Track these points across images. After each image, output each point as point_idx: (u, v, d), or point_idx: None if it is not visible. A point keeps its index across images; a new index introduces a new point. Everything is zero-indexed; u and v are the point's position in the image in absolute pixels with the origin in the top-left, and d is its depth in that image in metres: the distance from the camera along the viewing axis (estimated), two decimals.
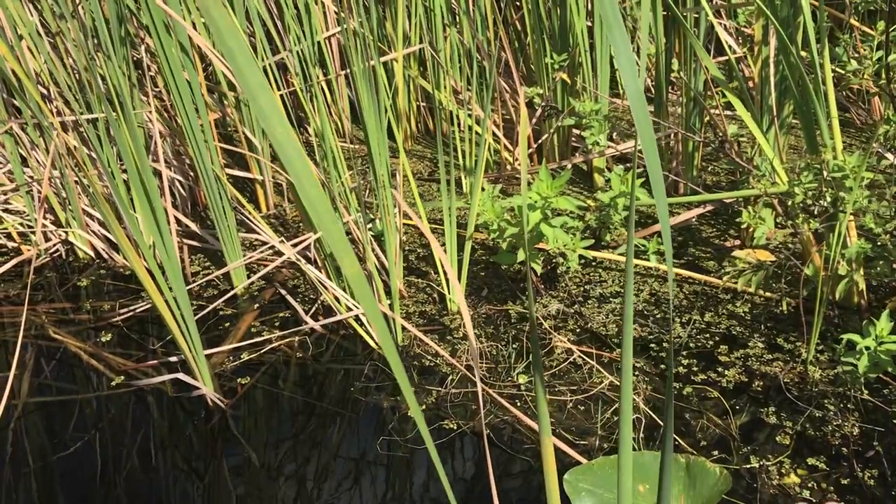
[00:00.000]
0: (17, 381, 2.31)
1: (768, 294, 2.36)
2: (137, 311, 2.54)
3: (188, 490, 1.97)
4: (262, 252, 2.65)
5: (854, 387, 1.97)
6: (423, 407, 2.09)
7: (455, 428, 2.02)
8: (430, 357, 2.28)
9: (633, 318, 2.35)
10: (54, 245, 2.88)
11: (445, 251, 2.36)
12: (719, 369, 2.13)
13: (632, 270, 0.99)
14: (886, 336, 1.75)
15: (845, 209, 2.01)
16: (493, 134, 3.19)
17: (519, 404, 2.06)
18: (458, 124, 3.25)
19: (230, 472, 1.99)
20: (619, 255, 2.57)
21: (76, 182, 2.76)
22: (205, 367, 2.13)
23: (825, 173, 2.07)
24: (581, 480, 1.79)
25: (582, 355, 2.21)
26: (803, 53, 2.31)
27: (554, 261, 2.49)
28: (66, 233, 2.85)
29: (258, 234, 2.67)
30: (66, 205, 2.80)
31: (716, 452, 1.87)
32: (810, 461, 1.82)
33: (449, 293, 2.45)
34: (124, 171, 2.77)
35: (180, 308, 2.06)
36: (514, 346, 2.28)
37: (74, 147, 2.64)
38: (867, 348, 1.76)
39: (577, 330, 2.34)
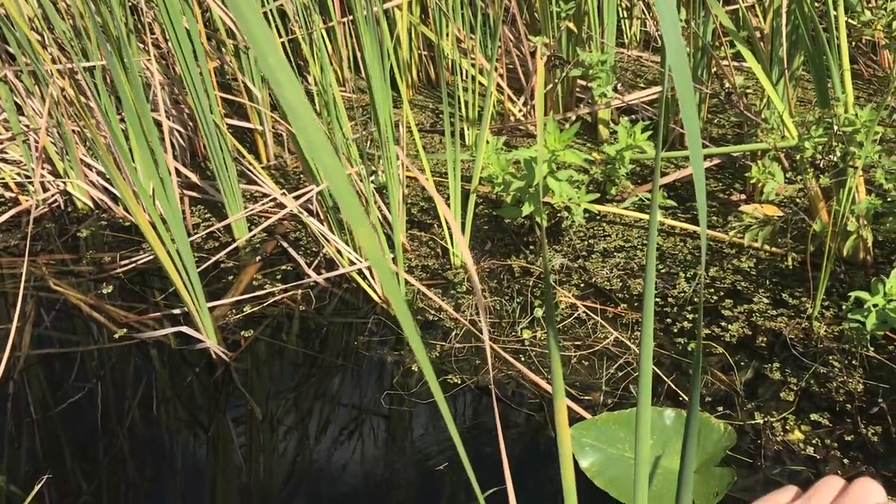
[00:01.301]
0: (19, 334, 2.30)
1: (774, 249, 2.34)
2: (139, 263, 2.52)
3: (192, 442, 1.97)
4: (263, 204, 2.62)
5: (860, 344, 1.96)
6: (427, 359, 2.08)
7: (459, 382, 2.01)
8: (433, 311, 2.27)
9: (635, 272, 2.33)
10: (52, 195, 2.85)
11: (449, 205, 2.33)
12: (724, 324, 2.12)
13: (656, 225, 0.97)
14: (895, 293, 1.74)
15: (856, 164, 1.98)
16: (497, 84, 3.13)
17: (523, 359, 2.06)
18: (462, 74, 3.19)
19: (234, 424, 2.00)
20: (625, 209, 2.55)
21: (74, 131, 2.72)
22: (208, 320, 2.12)
23: (836, 127, 2.04)
24: (585, 436, 1.79)
25: (586, 310, 2.20)
26: (816, 4, 2.26)
27: (558, 215, 2.46)
28: (64, 183, 2.81)
29: (259, 185, 2.63)
30: (64, 154, 2.76)
31: (720, 408, 1.88)
32: (814, 417, 1.83)
33: (452, 247, 2.43)
34: (122, 120, 2.73)
35: (183, 260, 2.04)
36: (518, 300, 2.27)
37: (72, 96, 2.59)
38: (875, 306, 1.75)
39: (582, 285, 2.32)
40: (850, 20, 2.46)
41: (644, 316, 1.08)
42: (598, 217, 2.60)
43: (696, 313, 2.17)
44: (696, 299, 2.21)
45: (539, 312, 2.19)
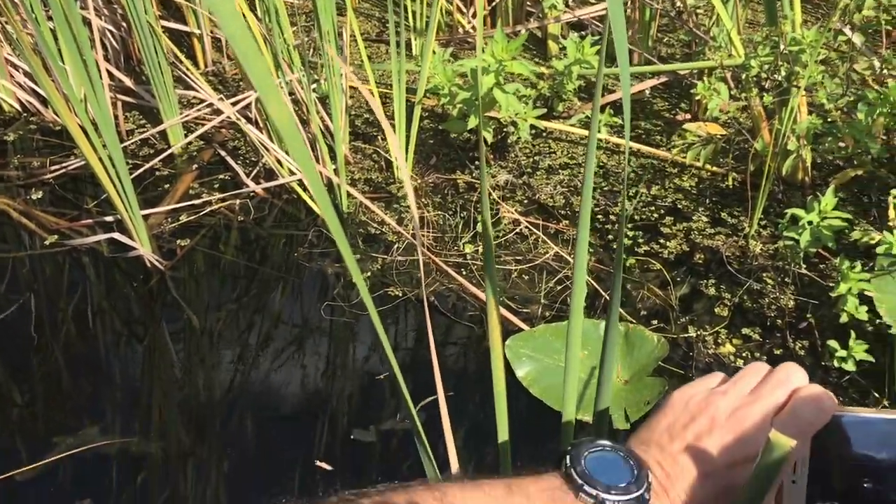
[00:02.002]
0: None
1: (715, 169, 2.36)
2: (70, 168, 2.43)
3: (127, 353, 1.94)
4: (200, 110, 2.53)
5: (793, 261, 2.00)
6: (368, 274, 2.07)
7: (400, 295, 2.01)
8: (375, 224, 2.24)
9: (578, 189, 2.33)
10: None
11: (394, 118, 2.28)
12: (662, 241, 2.14)
13: (595, 137, 0.95)
14: (830, 211, 1.76)
15: (799, 84, 1.99)
16: None
17: (464, 273, 2.06)
18: None
19: (171, 334, 1.97)
20: (571, 125, 2.53)
21: None
22: (142, 228, 2.06)
23: (782, 46, 2.03)
24: (522, 347, 1.81)
25: (529, 226, 2.20)
26: None
27: (504, 130, 2.44)
28: None
29: (196, 91, 2.54)
30: None
31: (655, 322, 1.91)
32: (745, 331, 1.87)
33: (396, 161, 2.39)
34: (50, 18, 2.59)
35: (115, 166, 1.97)
36: (461, 215, 2.26)
37: None
38: (810, 223, 1.78)
39: (525, 201, 2.32)
40: None
41: (579, 230, 1.07)
42: (544, 133, 2.58)
43: (637, 230, 2.18)
44: (636, 217, 2.23)
45: (481, 227, 2.18)
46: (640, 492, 0.52)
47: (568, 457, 0.54)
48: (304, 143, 0.68)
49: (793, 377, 0.55)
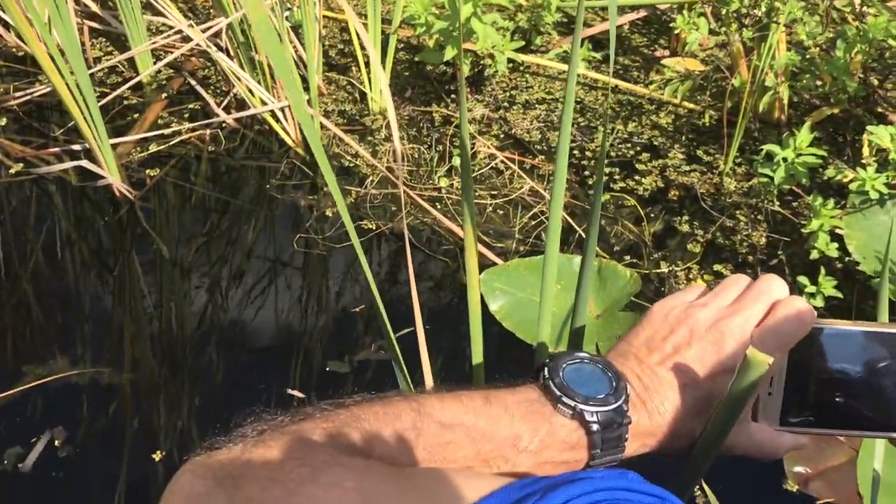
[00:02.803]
0: None
1: (692, 106, 2.34)
2: (35, 95, 2.36)
3: (97, 283, 1.92)
4: (169, 37, 2.46)
5: (767, 198, 2.01)
6: (344, 204, 2.05)
7: (374, 228, 1.99)
8: (349, 157, 2.21)
9: (555, 125, 2.32)
10: None
11: (368, 47, 2.23)
12: (637, 178, 2.14)
13: (575, 72, 0.93)
14: (805, 148, 1.77)
15: (779, 20, 1.97)
16: None
17: (439, 207, 2.04)
18: None
19: (141, 265, 1.94)
20: (549, 60, 2.50)
21: None
22: (110, 156, 2.02)
23: None
24: (496, 280, 1.81)
25: (505, 160, 2.19)
26: None
27: (482, 62, 2.40)
28: None
29: (165, 17, 2.46)
30: None
31: (628, 258, 1.91)
32: (717, 267, 1.88)
33: (371, 92, 2.35)
34: None
35: (82, 93, 1.91)
36: (437, 149, 2.23)
37: None
38: (785, 159, 1.78)
39: (501, 136, 2.29)
40: None
41: (557, 166, 1.06)
42: (521, 67, 2.54)
43: (612, 167, 2.18)
44: (612, 153, 2.22)
45: (457, 161, 2.17)
46: (619, 403, 0.52)
47: (546, 369, 0.53)
48: (287, 58, 0.66)
49: (774, 289, 0.55)
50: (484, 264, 1.85)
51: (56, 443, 1.51)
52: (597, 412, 0.51)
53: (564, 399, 0.51)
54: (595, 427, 0.51)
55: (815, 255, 1.76)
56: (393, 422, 0.49)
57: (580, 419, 0.51)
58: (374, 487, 0.42)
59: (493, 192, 2.10)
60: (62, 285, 1.88)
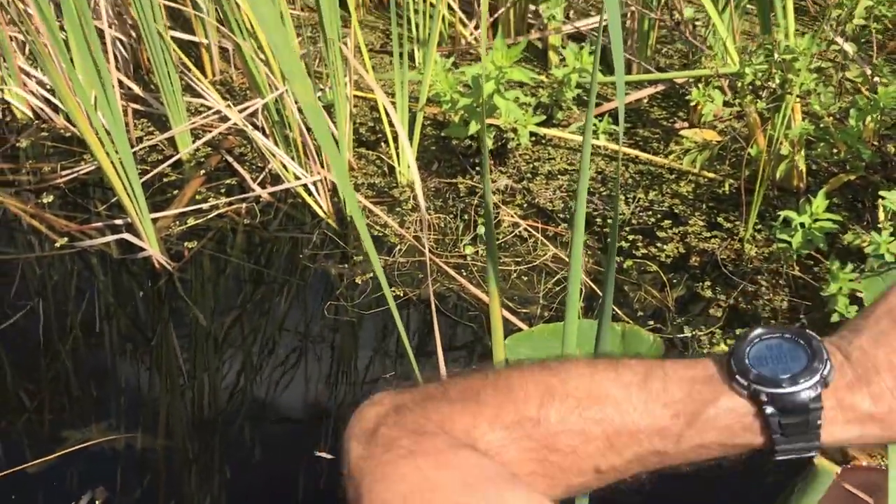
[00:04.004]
0: None
1: (711, 175, 2.41)
2: (80, 173, 2.49)
3: (137, 352, 1.99)
4: (207, 117, 2.59)
5: (787, 263, 2.05)
6: (371, 275, 2.12)
7: (402, 295, 2.06)
8: (378, 227, 2.29)
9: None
10: None
11: (397, 124, 2.34)
12: (659, 245, 2.19)
13: (589, 142, 1.00)
14: (821, 213, 1.81)
15: (792, 91, 2.04)
16: (449, 6, 3.11)
17: (465, 274, 2.10)
18: None
19: (178, 333, 2.01)
20: (570, 133, 2.58)
21: (12, 38, 2.64)
22: (151, 230, 2.12)
23: (776, 55, 2.08)
24: (521, 345, 1.85)
25: (528, 228, 2.25)
26: None
27: (505, 136, 2.49)
28: (2, 91, 2.74)
29: (204, 98, 2.60)
30: (2, 62, 2.68)
31: (651, 322, 1.95)
32: (739, 332, 1.91)
33: (399, 165, 2.44)
34: (62, 28, 2.65)
35: (126, 170, 2.02)
36: (462, 218, 2.31)
37: (8, 2, 2.51)
38: (802, 225, 1.83)
39: (525, 205, 2.37)
40: None
41: (574, 233, 1.13)
42: (543, 140, 2.63)
43: (634, 234, 2.23)
44: (633, 221, 2.27)
45: (482, 230, 2.23)
46: (807, 384, 0.46)
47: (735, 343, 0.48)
48: (327, 125, 0.73)
49: None
50: (509, 329, 1.89)
51: (97, 502, 1.56)
52: (772, 393, 0.46)
53: (738, 377, 0.47)
54: (770, 410, 0.46)
55: (835, 317, 1.78)
56: (515, 407, 0.48)
57: (754, 400, 0.47)
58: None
59: (518, 259, 2.15)
60: (104, 354, 1.96)
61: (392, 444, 0.48)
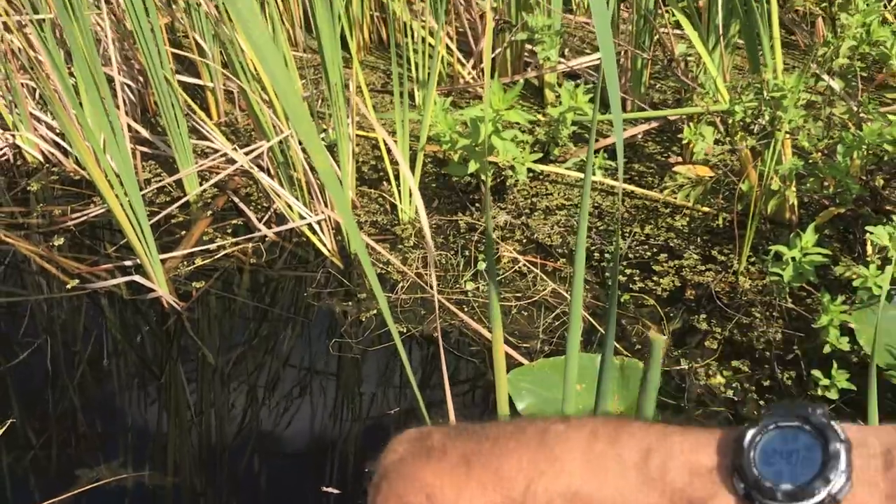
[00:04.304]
0: None
1: (706, 209, 2.46)
2: (90, 216, 2.55)
3: (145, 391, 2.03)
4: (214, 159, 2.66)
5: (780, 296, 2.10)
6: (374, 312, 2.17)
7: (405, 331, 2.10)
8: (381, 265, 2.35)
9: (576, 229, 2.44)
10: (1, 149, 2.85)
11: (399, 162, 2.40)
12: (656, 279, 2.24)
13: (589, 180, 1.06)
14: (811, 247, 1.86)
15: (781, 127, 2.10)
16: (447, 46, 3.19)
17: (466, 309, 2.15)
18: (412, 36, 3.24)
19: (186, 372, 2.06)
20: (567, 169, 2.65)
21: (23, 85, 2.72)
22: (160, 271, 2.17)
23: (765, 92, 2.15)
24: (522, 380, 1.90)
25: (527, 264, 2.31)
26: None
27: (503, 173, 2.55)
28: (13, 136, 2.81)
29: (210, 141, 2.67)
30: (13, 108, 2.76)
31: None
32: (735, 364, 1.96)
33: (400, 203, 2.50)
34: (71, 75, 2.73)
35: (135, 212, 2.08)
36: (463, 254, 2.36)
37: (22, 48, 2.59)
38: (792, 259, 1.88)
39: (524, 240, 2.42)
40: None
41: (575, 268, 1.18)
42: (541, 176, 2.70)
43: (631, 268, 2.28)
44: (630, 255, 2.33)
45: (483, 266, 2.29)
46: (817, 498, 0.39)
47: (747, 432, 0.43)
48: (334, 171, 0.79)
49: None
50: (510, 364, 1.94)
51: None
52: None
53: (737, 474, 0.42)
54: None
55: (827, 349, 1.83)
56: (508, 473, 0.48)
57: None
58: None
59: (518, 295, 2.21)
60: (114, 393, 2.00)
61: None
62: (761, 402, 1.85)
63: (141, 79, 2.96)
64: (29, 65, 2.59)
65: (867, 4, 2.17)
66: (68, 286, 2.29)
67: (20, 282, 2.37)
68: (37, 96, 2.85)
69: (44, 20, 2.55)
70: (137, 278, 2.18)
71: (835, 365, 1.79)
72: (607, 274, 2.27)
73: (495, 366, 1.52)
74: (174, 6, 2.94)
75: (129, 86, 2.92)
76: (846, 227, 2.35)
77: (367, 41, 3.59)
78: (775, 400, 1.86)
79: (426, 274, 2.28)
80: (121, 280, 2.24)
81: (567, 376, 1.46)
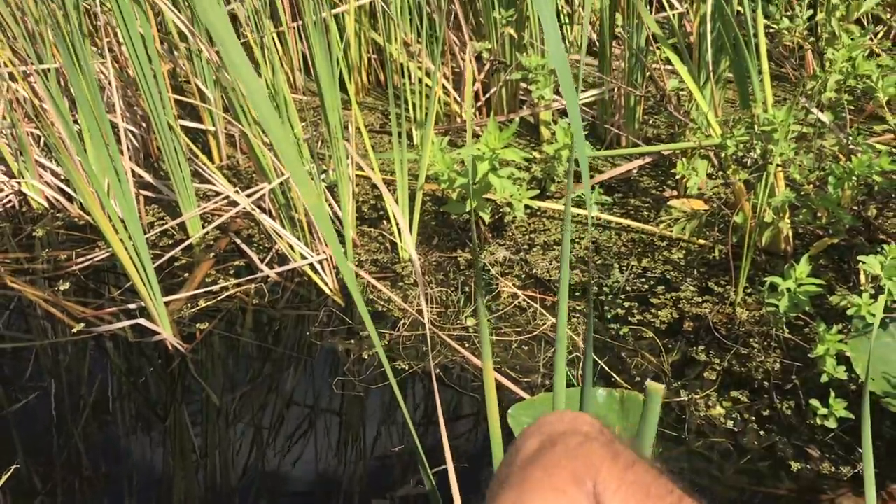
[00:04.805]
0: None
1: (702, 241, 2.50)
2: (95, 260, 2.59)
3: (151, 432, 2.05)
4: (216, 202, 2.70)
5: (776, 326, 2.12)
6: (376, 349, 2.19)
7: (407, 368, 2.13)
8: (382, 303, 2.38)
9: (573, 263, 2.47)
10: (7, 196, 2.89)
11: (398, 202, 2.44)
12: (654, 311, 2.27)
13: (570, 217, 1.10)
14: (805, 278, 1.89)
15: (773, 160, 2.14)
16: (444, 87, 3.25)
17: (467, 345, 2.18)
18: (409, 77, 3.30)
19: (191, 413, 2.08)
20: (563, 204, 2.68)
21: (29, 133, 2.77)
22: (164, 314, 2.20)
23: (756, 126, 2.20)
24: (524, 414, 1.92)
25: (526, 299, 2.33)
26: (739, 9, 2.42)
27: (501, 210, 2.59)
28: (19, 183, 2.86)
29: (213, 184, 2.71)
30: (19, 155, 2.81)
31: None
32: (734, 394, 1.98)
33: (400, 241, 2.54)
34: (76, 122, 2.79)
35: (140, 256, 2.12)
36: (463, 291, 2.39)
37: (27, 97, 2.65)
38: (787, 289, 1.91)
39: (523, 276, 2.45)
40: (772, 24, 2.63)
41: (559, 300, 1.21)
42: (539, 212, 2.74)
43: (630, 301, 2.31)
44: (628, 288, 2.36)
45: (477, 305, 2.31)
46: None
47: None
48: (329, 218, 0.82)
49: None
50: (512, 399, 1.96)
51: None
52: None
53: None
54: None
55: (824, 378, 1.85)
56: None
57: None
58: None
59: (518, 329, 2.23)
60: (119, 436, 2.02)
61: None
62: (761, 433, 1.87)
63: (144, 124, 3.01)
64: (34, 113, 2.65)
65: (852, 39, 2.22)
66: (73, 330, 2.32)
67: (26, 326, 2.40)
68: (42, 144, 2.90)
69: (49, 70, 2.61)
70: (142, 321, 2.21)
71: (832, 394, 1.81)
72: (606, 307, 2.29)
73: (486, 395, 1.53)
74: (176, 53, 3.00)
75: (132, 132, 2.97)
76: (841, 257, 2.38)
77: (365, 83, 3.66)
78: (776, 430, 1.88)
79: (428, 311, 2.31)
80: (125, 323, 2.27)
81: (555, 408, 1.48)
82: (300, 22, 3.43)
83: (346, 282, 0.71)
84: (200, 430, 2.03)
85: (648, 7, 3.52)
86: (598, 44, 3.18)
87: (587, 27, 3.23)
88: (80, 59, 2.23)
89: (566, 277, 1.05)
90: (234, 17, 3.42)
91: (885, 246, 1.77)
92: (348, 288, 0.75)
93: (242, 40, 3.21)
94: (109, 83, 2.75)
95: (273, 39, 3.31)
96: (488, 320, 2.27)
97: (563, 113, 3.23)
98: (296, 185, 0.78)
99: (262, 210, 2.60)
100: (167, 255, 2.56)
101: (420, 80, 3.13)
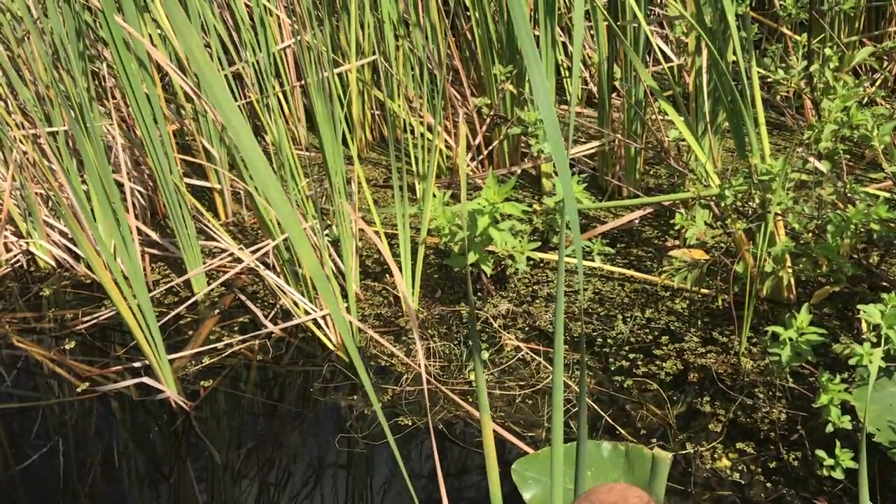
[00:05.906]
0: None
1: (705, 291, 2.50)
2: (100, 319, 2.61)
3: (154, 491, 2.04)
4: (221, 259, 2.73)
5: (780, 376, 2.11)
6: (381, 405, 2.19)
7: (410, 424, 2.12)
8: (385, 357, 2.38)
9: (575, 315, 2.47)
10: (15, 256, 2.93)
11: (400, 256, 2.46)
12: (658, 363, 2.26)
13: (563, 268, 1.11)
14: (806, 327, 1.89)
15: (771, 210, 2.16)
16: (445, 141, 3.30)
17: (471, 400, 2.17)
18: (412, 131, 3.35)
19: (195, 472, 2.07)
20: (566, 256, 2.70)
21: (37, 194, 2.82)
22: (168, 372, 2.21)
23: (754, 176, 2.22)
24: (528, 469, 1.90)
25: (529, 352, 2.33)
26: (733, 59, 2.46)
27: (503, 262, 2.60)
28: (27, 243, 2.90)
29: (217, 241, 2.74)
30: (27, 216, 2.85)
31: (654, 440, 2.00)
32: (740, 446, 1.96)
33: (402, 296, 2.55)
34: (83, 182, 2.83)
35: (144, 315, 2.14)
36: (466, 344, 2.39)
37: (35, 159, 2.70)
38: (789, 339, 1.90)
39: (526, 328, 2.45)
40: (769, 73, 2.67)
41: (555, 353, 1.22)
42: (541, 264, 2.75)
43: (634, 353, 2.31)
44: (632, 339, 2.36)
45: (486, 355, 2.32)
46: None
47: None
48: (325, 279, 0.84)
49: None
50: (516, 453, 1.95)
51: None
52: None
53: None
54: None
55: (829, 428, 1.83)
56: None
57: None
58: None
59: (522, 383, 2.23)
60: (124, 495, 2.01)
61: None
62: (768, 485, 1.85)
63: (150, 183, 3.06)
64: (42, 175, 2.69)
65: (847, 90, 2.25)
66: (79, 389, 2.33)
67: (33, 385, 2.41)
68: (49, 203, 2.95)
69: (57, 132, 2.66)
70: (146, 380, 2.22)
71: (838, 444, 1.80)
72: (610, 359, 2.29)
73: (485, 450, 1.52)
74: (182, 113, 3.06)
75: (139, 191, 3.01)
76: (844, 305, 2.38)
77: (368, 138, 3.71)
78: (783, 482, 1.86)
79: (431, 365, 2.31)
80: (130, 382, 2.28)
81: (553, 465, 1.47)
82: (303, 80, 3.49)
83: (344, 340, 0.72)
84: (205, 487, 2.02)
85: (648, 58, 3.57)
86: (597, 95, 3.22)
87: (577, 82, 3.28)
88: (86, 121, 2.28)
89: (560, 331, 1.06)
90: (238, 77, 3.49)
91: (885, 294, 1.77)
92: (346, 341, 0.76)
93: (247, 100, 3.27)
94: (116, 144, 2.80)
95: (278, 98, 3.38)
96: (491, 374, 2.27)
97: None
98: (294, 245, 0.81)
99: (267, 266, 2.62)
100: (172, 313, 2.58)
101: (422, 135, 3.17)
